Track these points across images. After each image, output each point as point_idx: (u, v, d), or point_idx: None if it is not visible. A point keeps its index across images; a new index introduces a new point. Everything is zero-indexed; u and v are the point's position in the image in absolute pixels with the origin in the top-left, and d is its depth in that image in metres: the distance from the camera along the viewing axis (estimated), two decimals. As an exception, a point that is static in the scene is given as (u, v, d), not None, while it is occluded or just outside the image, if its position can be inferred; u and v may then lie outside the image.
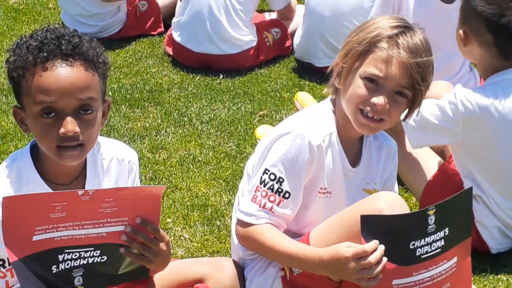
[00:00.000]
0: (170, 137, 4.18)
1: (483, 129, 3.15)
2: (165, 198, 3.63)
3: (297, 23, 5.23)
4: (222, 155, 4.03)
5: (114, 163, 2.46)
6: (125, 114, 4.41)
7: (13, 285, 2.34)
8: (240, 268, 2.76)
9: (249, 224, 2.63)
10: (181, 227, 3.46)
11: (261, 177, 2.63)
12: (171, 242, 3.15)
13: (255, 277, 2.73)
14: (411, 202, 3.62)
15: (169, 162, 3.95)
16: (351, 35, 2.66)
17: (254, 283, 2.73)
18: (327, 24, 4.86)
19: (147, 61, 5.08)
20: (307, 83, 4.89)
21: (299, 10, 5.30)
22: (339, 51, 2.68)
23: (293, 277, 2.67)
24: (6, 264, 2.30)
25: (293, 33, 5.22)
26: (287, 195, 2.62)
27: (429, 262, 2.45)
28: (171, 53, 5.10)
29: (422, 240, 2.41)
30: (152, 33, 5.43)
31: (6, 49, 2.65)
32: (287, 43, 5.23)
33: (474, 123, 3.14)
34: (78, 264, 2.17)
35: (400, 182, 3.46)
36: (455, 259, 2.51)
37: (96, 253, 2.18)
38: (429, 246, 2.43)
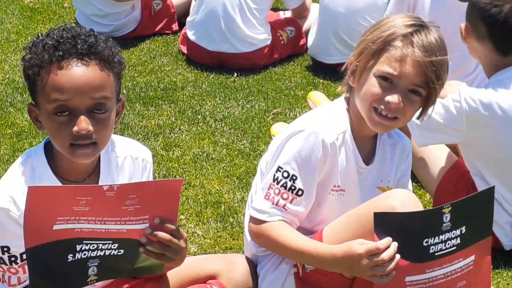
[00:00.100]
0: (184, 135, 4.19)
1: (487, 127, 3.15)
2: (179, 195, 3.64)
3: (311, 22, 5.23)
4: (236, 152, 4.04)
5: (128, 161, 2.47)
6: (139, 112, 4.42)
7: (25, 281, 2.34)
8: (252, 265, 2.76)
9: (262, 221, 2.63)
10: (194, 223, 3.46)
11: (275, 175, 2.63)
12: (185, 239, 3.15)
13: (268, 273, 2.74)
14: (425, 199, 3.61)
15: (182, 160, 3.96)
16: (365, 33, 2.65)
17: (267, 279, 2.73)
18: (341, 21, 4.86)
19: (162, 59, 5.09)
20: (321, 81, 4.89)
21: (314, 9, 5.29)
22: (352, 48, 2.68)
23: (305, 273, 2.67)
24: (19, 261, 2.31)
25: (307, 32, 5.21)
26: (300, 192, 2.62)
27: (443, 260, 2.44)
28: (185, 51, 5.11)
29: (436, 237, 2.41)
30: (167, 32, 5.44)
31: (22, 47, 2.66)
32: (301, 42, 5.23)
33: (478, 122, 3.14)
34: (95, 255, 2.18)
35: (414, 179, 3.46)
36: (472, 258, 2.50)
37: (114, 246, 2.18)
38: (443, 243, 2.42)
